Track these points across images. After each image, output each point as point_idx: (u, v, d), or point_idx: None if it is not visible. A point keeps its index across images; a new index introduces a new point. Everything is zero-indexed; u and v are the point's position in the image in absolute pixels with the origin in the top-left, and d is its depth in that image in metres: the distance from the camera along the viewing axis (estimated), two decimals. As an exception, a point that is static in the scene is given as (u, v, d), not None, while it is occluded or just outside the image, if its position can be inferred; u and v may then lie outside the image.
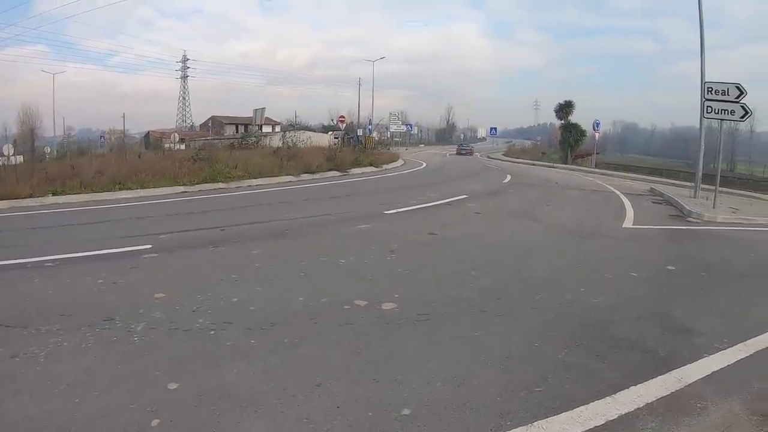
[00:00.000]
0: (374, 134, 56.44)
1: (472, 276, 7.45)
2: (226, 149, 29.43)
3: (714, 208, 15.75)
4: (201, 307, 5.80)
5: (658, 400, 3.98)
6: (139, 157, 22.70)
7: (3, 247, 9.11)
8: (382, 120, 75.43)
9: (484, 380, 4.22)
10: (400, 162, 37.87)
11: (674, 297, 6.86)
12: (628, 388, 4.14)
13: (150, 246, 8.72)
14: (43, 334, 4.99)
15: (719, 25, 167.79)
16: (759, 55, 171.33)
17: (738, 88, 16.08)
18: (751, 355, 4.99)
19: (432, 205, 14.80)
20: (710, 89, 16.82)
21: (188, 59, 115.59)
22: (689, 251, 10.37)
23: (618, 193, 20.89)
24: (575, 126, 55.02)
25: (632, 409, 3.82)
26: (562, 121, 57.03)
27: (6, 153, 22.73)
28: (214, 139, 52.17)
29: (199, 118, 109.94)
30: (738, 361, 4.84)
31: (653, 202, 18.38)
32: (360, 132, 53.21)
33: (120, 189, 17.17)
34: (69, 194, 16.12)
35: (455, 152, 69.96)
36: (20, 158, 26.80)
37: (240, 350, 4.71)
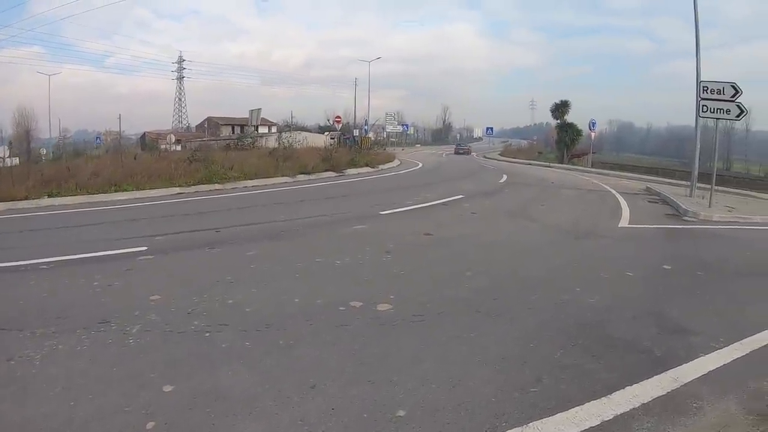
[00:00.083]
0: (370, 134, 56.52)
1: (468, 276, 7.45)
2: (222, 150, 29.49)
3: (710, 206, 15.77)
4: (196, 309, 5.79)
5: (653, 400, 3.98)
6: (135, 158, 22.75)
7: (-1, 249, 9.09)
8: (379, 120, 75.48)
9: (479, 381, 4.21)
10: (396, 162, 37.91)
11: (670, 296, 6.87)
12: (623, 388, 4.14)
13: (146, 248, 8.72)
14: (39, 336, 4.98)
15: (715, 25, 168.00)
16: (755, 55, 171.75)
17: (733, 87, 16.11)
18: (747, 354, 5.00)
19: (428, 206, 14.80)
20: (706, 88, 16.83)
21: (184, 60, 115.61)
22: (685, 250, 10.38)
23: (614, 192, 20.93)
24: (571, 125, 55.02)
25: (628, 409, 3.82)
26: (558, 121, 56.99)
27: (1, 155, 22.70)
28: (210, 140, 52.14)
29: (195, 119, 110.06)
30: (734, 360, 4.84)
31: (649, 201, 18.41)
32: (356, 132, 53.24)
33: (116, 190, 17.14)
34: (65, 196, 16.11)
35: (453, 152, 70.52)
36: (16, 160, 26.77)
37: (235, 352, 4.70)
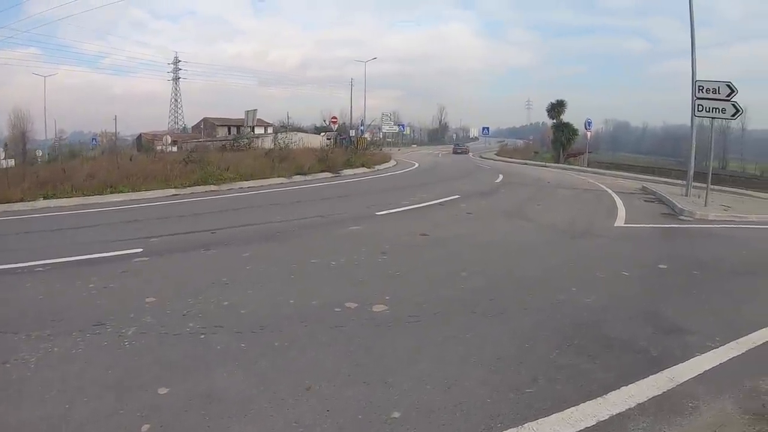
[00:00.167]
0: (366, 135, 56.49)
1: (464, 277, 7.44)
2: (218, 151, 29.42)
3: (706, 205, 15.76)
4: (191, 311, 5.78)
5: (649, 400, 3.98)
6: (131, 159, 22.68)
7: (-6, 251, 9.06)
8: (375, 120, 75.51)
9: (474, 381, 4.21)
10: (392, 162, 37.90)
11: (666, 296, 6.87)
12: (619, 388, 4.14)
13: (141, 249, 8.71)
14: (34, 339, 4.97)
15: (710, 24, 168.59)
16: (751, 54, 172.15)
17: (729, 86, 16.11)
18: (743, 353, 5.00)
19: (424, 206, 14.78)
20: (701, 88, 16.83)
21: (180, 61, 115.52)
22: (681, 249, 10.38)
23: (610, 191, 20.91)
24: (567, 125, 55.07)
25: (623, 410, 3.82)
26: (554, 121, 57.07)
27: (-3, 157, 22.67)
28: (206, 140, 52.08)
29: (191, 119, 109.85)
30: (730, 359, 4.84)
31: (645, 201, 18.40)
32: (352, 133, 53.22)
33: (111, 192, 17.12)
34: (60, 198, 16.10)
35: (452, 151, 70.91)
36: (11, 162, 26.73)
37: (230, 354, 4.69)
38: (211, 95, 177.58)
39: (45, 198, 15.92)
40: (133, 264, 7.94)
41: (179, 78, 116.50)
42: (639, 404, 3.90)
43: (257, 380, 4.19)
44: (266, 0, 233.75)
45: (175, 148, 41.68)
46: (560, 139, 54.75)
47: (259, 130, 56.73)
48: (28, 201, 15.50)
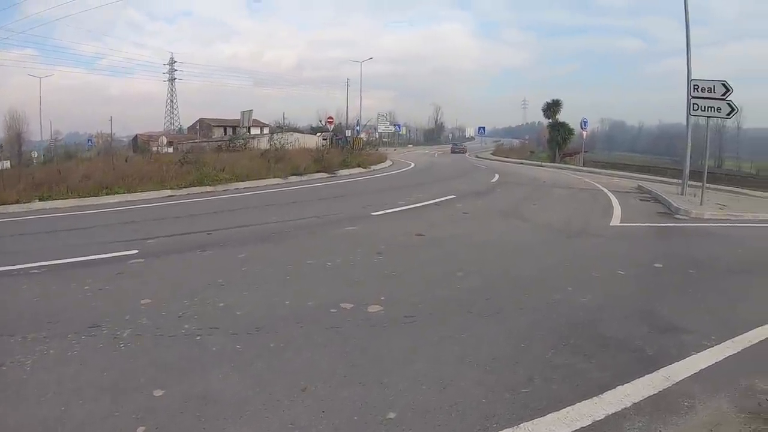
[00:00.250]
0: (362, 135, 56.51)
1: (459, 277, 7.45)
2: (214, 152, 29.44)
3: (701, 204, 15.79)
4: (187, 312, 5.77)
5: (645, 399, 3.98)
6: (126, 161, 22.65)
7: (-11, 254, 9.04)
8: (371, 121, 75.53)
9: (470, 382, 4.21)
10: (388, 162, 37.92)
11: (662, 295, 6.88)
12: (615, 387, 4.13)
13: (137, 251, 8.69)
14: (30, 341, 4.96)
15: (705, 23, 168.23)
16: (746, 53, 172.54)
17: (724, 85, 16.14)
18: (739, 352, 5.00)
19: (420, 206, 14.78)
20: (696, 87, 16.87)
21: (176, 62, 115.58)
22: (677, 248, 10.41)
23: (606, 191, 20.94)
24: (563, 125, 55.12)
25: (619, 409, 3.82)
26: (550, 120, 57.11)
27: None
28: (202, 141, 52.13)
29: (187, 120, 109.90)
30: (726, 358, 4.84)
31: (641, 200, 18.43)
32: (348, 133, 53.24)
33: (107, 193, 17.10)
34: (56, 199, 16.07)
35: (450, 151, 71.74)
36: (7, 163, 26.71)
37: (226, 356, 4.68)
38: (207, 96, 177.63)
39: (40, 200, 15.89)
40: (129, 265, 7.92)
41: (175, 79, 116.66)
42: (635, 403, 3.90)
43: (253, 381, 4.18)
44: (262, 0, 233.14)
45: (170, 149, 41.75)
46: (556, 139, 54.80)
47: (255, 131, 56.75)
48: (24, 203, 15.46)
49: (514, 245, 10.05)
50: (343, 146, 42.09)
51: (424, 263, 8.32)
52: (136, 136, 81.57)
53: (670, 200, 16.62)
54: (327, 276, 7.47)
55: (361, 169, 29.71)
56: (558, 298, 6.50)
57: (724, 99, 16.16)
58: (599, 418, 3.69)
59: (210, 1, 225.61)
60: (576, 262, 8.65)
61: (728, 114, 16.61)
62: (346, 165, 28.86)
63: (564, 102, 56.81)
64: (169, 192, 18.21)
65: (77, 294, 6.49)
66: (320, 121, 78.72)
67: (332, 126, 57.26)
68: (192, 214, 13.56)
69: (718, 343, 5.14)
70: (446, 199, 16.46)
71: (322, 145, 41.07)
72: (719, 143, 72.78)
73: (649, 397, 4.02)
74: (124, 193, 17.35)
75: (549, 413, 3.73)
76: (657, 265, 8.46)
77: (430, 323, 5.57)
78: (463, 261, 8.43)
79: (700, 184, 16.81)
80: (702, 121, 17.88)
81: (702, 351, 4.95)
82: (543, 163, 47.21)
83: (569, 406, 3.83)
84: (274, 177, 22.67)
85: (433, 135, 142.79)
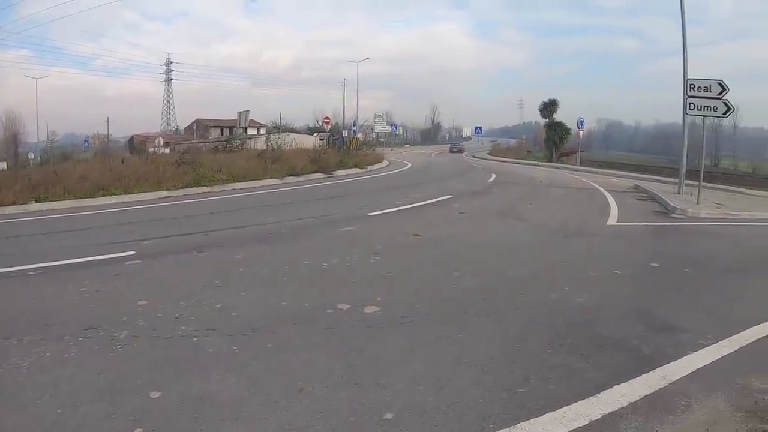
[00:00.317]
0: (359, 135, 56.52)
1: (456, 277, 7.45)
2: (210, 152, 29.39)
3: (698, 203, 15.81)
4: (184, 313, 5.77)
5: (641, 398, 3.99)
6: (123, 162, 22.60)
7: (-15, 256, 9.03)
8: (367, 121, 75.49)
9: (467, 382, 4.21)
10: (385, 163, 37.89)
11: (658, 294, 6.89)
12: (611, 387, 4.14)
13: (133, 252, 8.68)
14: (26, 344, 4.95)
15: (702, 23, 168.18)
16: (741, 52, 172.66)
17: (720, 84, 16.15)
18: (735, 351, 5.01)
19: (416, 206, 14.77)
20: (693, 86, 16.87)
21: (172, 62, 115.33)
22: (673, 248, 10.42)
23: (602, 190, 20.94)
24: (560, 124, 55.04)
25: (616, 409, 3.83)
26: (547, 120, 56.98)
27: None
28: (199, 142, 52.08)
29: (183, 121, 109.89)
30: (722, 357, 4.85)
31: (637, 199, 18.44)
32: (345, 133, 53.24)
33: (103, 195, 17.05)
34: (52, 201, 16.00)
35: (448, 150, 73.29)
36: (3, 165, 26.69)
37: (222, 357, 4.69)
38: (204, 96, 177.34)
39: (37, 201, 15.85)
40: (126, 267, 7.91)
41: (172, 79, 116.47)
42: (631, 403, 3.91)
43: (250, 382, 4.18)
44: (259, 0, 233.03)
45: (167, 150, 41.78)
46: (553, 139, 54.71)
47: (251, 131, 56.65)
48: (20, 204, 15.41)
49: (510, 245, 10.06)
50: (340, 146, 42.09)
51: (420, 263, 8.32)
52: (133, 136, 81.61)
53: (666, 199, 16.65)
54: (324, 277, 7.47)
55: (357, 170, 29.68)
56: (555, 298, 6.51)
57: (720, 98, 16.17)
58: (596, 418, 3.69)
59: (207, 1, 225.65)
60: (573, 261, 8.66)
61: (724, 113, 16.62)
62: (342, 165, 28.82)
63: (561, 102, 56.69)
64: (165, 193, 18.17)
65: (74, 296, 6.47)
66: (317, 122, 78.78)
67: (329, 126, 57.32)
68: (189, 215, 13.52)
69: (715, 343, 5.15)
70: (443, 199, 16.46)
71: (319, 146, 41.04)
72: (716, 142, 72.93)
73: (645, 396, 4.03)
74: (120, 194, 17.29)
75: (546, 413, 3.74)
76: (654, 264, 8.48)
77: (427, 323, 5.57)
78: (459, 261, 8.43)
79: (696, 183, 16.82)
80: (698, 120, 17.90)
81: (698, 350, 4.96)
82: (540, 163, 47.16)
83: (566, 405, 3.84)
84: (271, 177, 22.64)
85: (430, 135, 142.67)
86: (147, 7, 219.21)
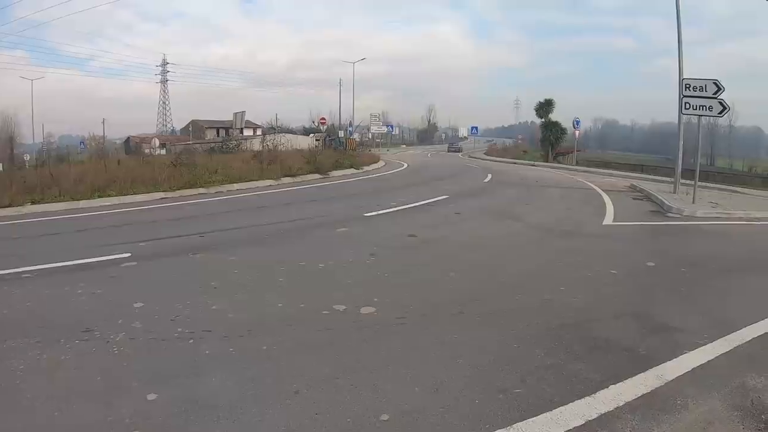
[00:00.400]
0: (355, 136, 56.48)
1: (452, 277, 7.47)
2: (207, 154, 29.35)
3: (693, 203, 15.83)
4: (180, 316, 5.76)
5: (637, 398, 4.00)
6: (119, 163, 22.55)
7: (-19, 258, 9.00)
8: (363, 121, 75.43)
9: (462, 383, 4.22)
10: (381, 163, 37.82)
11: (654, 294, 6.91)
12: (607, 387, 4.15)
13: (129, 254, 8.65)
14: (22, 347, 4.94)
15: (697, 23, 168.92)
16: (737, 52, 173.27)
17: (715, 84, 16.15)
18: (731, 350, 5.03)
19: (412, 207, 14.77)
20: (688, 86, 16.87)
21: (168, 63, 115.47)
22: (669, 247, 10.44)
23: (598, 190, 20.93)
24: (555, 124, 55.07)
25: (612, 408, 3.83)
26: (543, 120, 57.04)
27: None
28: (195, 143, 52.05)
29: (179, 122, 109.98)
30: (718, 356, 4.86)
31: (633, 199, 18.44)
32: (341, 134, 53.23)
33: (99, 196, 16.98)
34: (48, 203, 15.93)
35: (447, 150, 76.41)
36: (-1, 166, 26.60)
37: (218, 359, 4.68)
38: (200, 97, 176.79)
39: (33, 203, 15.78)
40: (122, 269, 7.90)
41: (167, 80, 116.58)
42: (627, 403, 3.92)
43: (245, 385, 4.18)
44: (255, 1, 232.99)
45: (163, 151, 41.70)
46: (549, 138, 54.72)
47: (247, 132, 56.77)
48: (16, 206, 15.33)
49: (507, 245, 10.07)
50: (336, 147, 42.06)
51: (416, 264, 8.34)
52: (129, 138, 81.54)
53: (662, 199, 16.65)
54: (319, 278, 7.47)
55: (354, 170, 29.63)
56: (550, 298, 6.52)
57: (715, 98, 16.17)
58: (592, 418, 3.70)
59: (203, 2, 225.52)
60: (569, 261, 8.67)
61: (720, 113, 16.62)
62: (338, 166, 28.75)
63: (557, 101, 56.72)
64: (161, 194, 18.11)
65: (70, 298, 6.47)
66: (313, 122, 78.86)
67: (325, 127, 57.33)
68: (184, 217, 13.51)
69: (711, 342, 5.16)
70: (439, 200, 16.47)
71: (315, 146, 41.00)
72: (712, 141, 73.22)
73: (641, 396, 4.04)
74: (116, 195, 17.23)
75: (542, 413, 3.75)
76: (649, 264, 8.49)
77: (423, 324, 5.58)
78: (455, 262, 8.44)
79: (692, 182, 16.86)
80: (694, 119, 17.92)
81: (694, 350, 4.98)
82: (536, 163, 47.11)
83: (562, 406, 3.85)
84: (267, 178, 22.58)
85: (426, 135, 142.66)
86: (143, 7, 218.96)
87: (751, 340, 5.28)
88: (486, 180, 25.02)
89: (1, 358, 4.69)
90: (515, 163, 47.59)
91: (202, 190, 19.18)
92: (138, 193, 17.73)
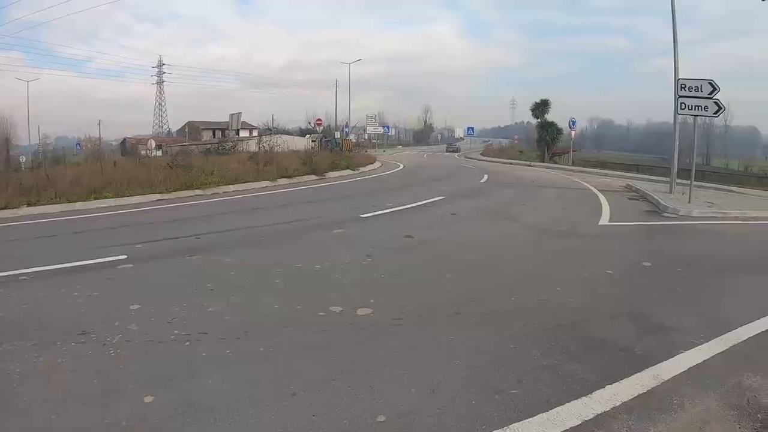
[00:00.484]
0: (352, 137, 56.48)
1: (448, 278, 7.47)
2: (203, 155, 29.29)
3: (689, 202, 15.86)
4: (176, 318, 5.75)
5: (634, 398, 4.01)
6: (115, 165, 22.49)
7: (-24, 261, 8.98)
8: (359, 122, 75.39)
9: (459, 384, 4.22)
10: (377, 164, 37.79)
11: (650, 294, 6.93)
12: (604, 387, 4.16)
13: (125, 256, 8.63)
14: (19, 350, 4.92)
15: (693, 23, 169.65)
16: (733, 52, 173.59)
17: (711, 84, 16.16)
18: (727, 349, 5.04)
19: (409, 208, 14.78)
20: (684, 86, 16.88)
21: (164, 64, 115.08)
22: (665, 247, 10.46)
23: (594, 190, 20.97)
24: (552, 124, 55.03)
25: (608, 408, 3.84)
26: (539, 120, 57.01)
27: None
28: (191, 144, 51.98)
29: (176, 123, 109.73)
30: (714, 356, 4.88)
31: (629, 199, 18.48)
32: (337, 135, 53.22)
33: (95, 198, 16.94)
34: (44, 204, 15.88)
35: (444, 150, 77.10)
36: (-5, 168, 26.50)
37: (215, 361, 4.68)
38: (196, 98, 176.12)
39: (29, 205, 15.74)
40: (118, 271, 7.89)
41: (163, 81, 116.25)
42: (624, 403, 3.93)
43: (242, 387, 4.18)
44: (251, 2, 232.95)
45: (159, 152, 41.59)
46: (545, 138, 54.69)
47: (243, 134, 56.73)
48: (12, 208, 15.28)
49: (503, 246, 10.08)
50: (332, 148, 42.05)
51: (413, 265, 8.34)
52: (125, 139, 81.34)
53: (658, 199, 16.68)
54: (316, 279, 7.46)
55: (350, 171, 29.60)
56: (546, 299, 6.53)
57: (711, 98, 16.19)
58: (588, 418, 3.71)
59: (199, 3, 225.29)
60: (564, 261, 8.68)
61: (715, 113, 16.65)
62: (335, 167, 28.72)
63: (553, 101, 56.61)
64: (158, 196, 18.07)
65: (66, 300, 6.45)
66: (309, 123, 78.82)
67: (321, 128, 57.24)
68: (181, 218, 13.50)
69: (707, 341, 5.18)
70: (435, 201, 16.49)
71: (312, 148, 40.99)
72: (707, 141, 73.34)
73: (638, 396, 4.05)
74: (112, 197, 17.20)
75: (538, 414, 3.75)
76: (645, 263, 8.51)
77: (419, 325, 5.58)
78: (452, 262, 8.45)
79: (688, 182, 16.88)
80: (690, 119, 17.93)
81: (690, 349, 4.99)
82: (532, 163, 47.18)
83: (558, 406, 3.85)
84: (263, 180, 22.56)
85: (423, 136, 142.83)
86: (139, 8, 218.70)
87: (747, 339, 5.30)
88: (482, 180, 25.05)
89: (-2, 361, 4.69)
90: (511, 163, 47.68)
91: (198, 192, 19.15)
92: (134, 195, 17.70)
